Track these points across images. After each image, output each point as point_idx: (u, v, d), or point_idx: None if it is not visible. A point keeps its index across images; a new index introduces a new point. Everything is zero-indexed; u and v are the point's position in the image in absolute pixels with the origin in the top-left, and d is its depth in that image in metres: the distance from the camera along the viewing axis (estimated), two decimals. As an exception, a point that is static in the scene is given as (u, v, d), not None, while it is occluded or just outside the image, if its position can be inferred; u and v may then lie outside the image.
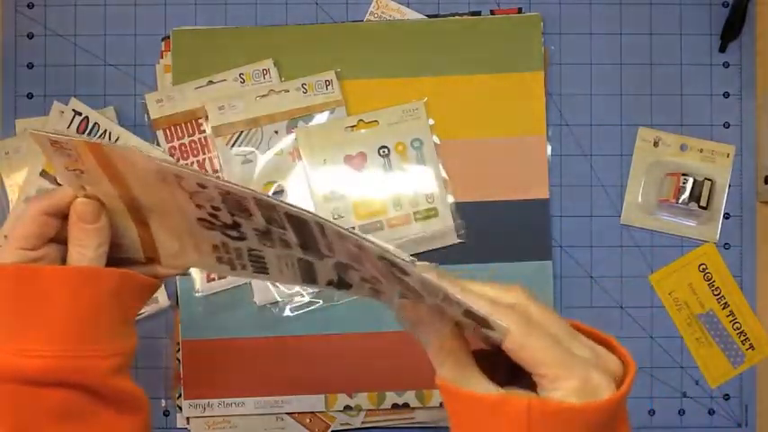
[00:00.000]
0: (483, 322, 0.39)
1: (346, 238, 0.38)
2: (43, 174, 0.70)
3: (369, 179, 0.70)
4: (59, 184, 0.48)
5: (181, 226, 0.46)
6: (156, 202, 0.46)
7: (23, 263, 0.45)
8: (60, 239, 0.47)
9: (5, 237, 0.49)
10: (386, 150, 0.70)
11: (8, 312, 0.43)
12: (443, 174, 0.70)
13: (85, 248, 0.46)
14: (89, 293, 0.45)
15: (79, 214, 0.46)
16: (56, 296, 0.44)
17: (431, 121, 0.70)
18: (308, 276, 0.45)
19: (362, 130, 0.70)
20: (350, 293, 0.45)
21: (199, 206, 0.43)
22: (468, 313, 0.38)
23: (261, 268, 0.46)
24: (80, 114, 0.70)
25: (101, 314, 0.45)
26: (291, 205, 0.39)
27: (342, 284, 0.45)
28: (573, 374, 0.36)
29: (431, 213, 0.69)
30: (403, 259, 0.37)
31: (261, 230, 0.43)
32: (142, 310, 0.69)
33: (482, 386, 0.39)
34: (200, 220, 0.44)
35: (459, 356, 0.40)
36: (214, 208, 0.42)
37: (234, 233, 0.45)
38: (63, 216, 0.47)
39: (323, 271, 0.44)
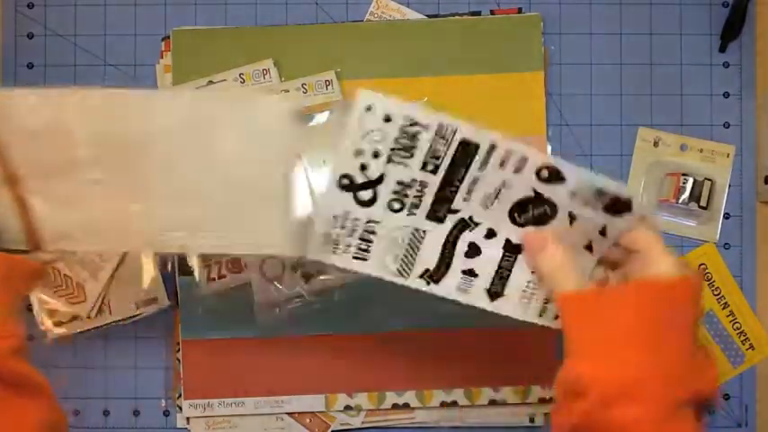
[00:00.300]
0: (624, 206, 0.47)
1: (514, 153, 0.48)
2: (43, 174, 0.70)
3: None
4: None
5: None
6: (50, 165, 0.49)
7: None
8: None
9: None
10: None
11: None
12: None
13: None
14: None
15: None
16: None
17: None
18: (406, 264, 0.50)
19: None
20: (438, 287, 0.51)
21: None
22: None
23: (363, 251, 0.50)
24: (80, 114, 0.70)
25: None
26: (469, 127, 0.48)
27: (436, 274, 0.50)
28: (667, 255, 0.45)
29: None
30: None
31: (405, 183, 0.48)
32: (142, 310, 0.69)
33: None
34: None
35: (575, 268, 0.47)
36: (375, 155, 0.47)
37: (367, 195, 0.49)
38: None
39: (428, 249, 0.50)
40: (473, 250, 0.50)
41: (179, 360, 0.70)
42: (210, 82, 0.70)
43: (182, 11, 0.72)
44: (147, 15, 0.72)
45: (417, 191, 0.48)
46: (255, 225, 0.50)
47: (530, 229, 0.49)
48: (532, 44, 0.71)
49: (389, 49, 0.71)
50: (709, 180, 0.69)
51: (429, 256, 0.50)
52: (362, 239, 0.50)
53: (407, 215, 0.49)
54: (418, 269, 0.50)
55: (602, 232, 0.48)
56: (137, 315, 0.70)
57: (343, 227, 0.49)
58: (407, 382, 0.70)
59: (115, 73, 0.72)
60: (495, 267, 0.50)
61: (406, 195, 0.48)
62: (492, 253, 0.50)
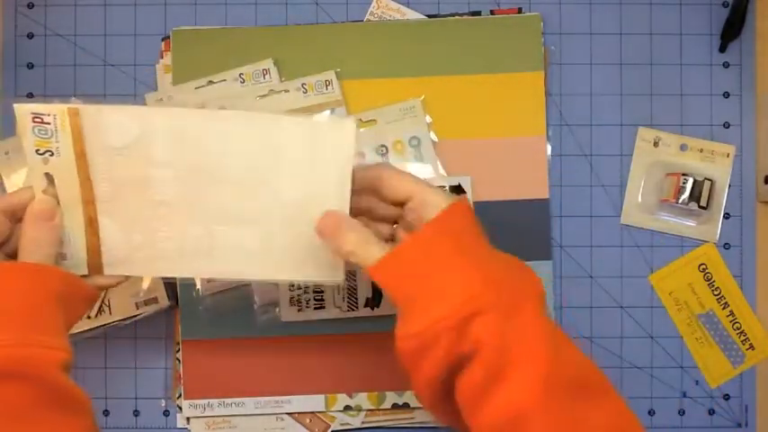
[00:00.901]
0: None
1: None
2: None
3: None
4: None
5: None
6: (122, 184, 0.49)
7: None
8: (6, 248, 0.49)
9: None
10: (384, 149, 0.70)
11: None
12: (442, 170, 0.70)
13: (38, 246, 0.47)
14: (39, 289, 0.46)
15: (37, 212, 0.48)
16: (9, 289, 0.45)
17: (428, 119, 0.70)
18: (353, 301, 0.64)
19: (360, 129, 0.70)
20: (380, 309, 0.64)
21: None
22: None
23: (319, 301, 0.66)
24: (80, 114, 0.70)
25: (48, 312, 0.46)
26: None
27: (375, 300, 0.66)
28: (432, 190, 0.48)
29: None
30: None
31: None
32: (142, 311, 0.69)
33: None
34: None
35: (373, 239, 0.48)
36: None
37: None
38: (16, 219, 0.48)
39: (362, 283, 0.62)
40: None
41: (179, 360, 0.70)
42: (210, 82, 0.70)
43: (182, 11, 0.72)
44: (147, 15, 0.72)
45: None
46: (311, 255, 0.51)
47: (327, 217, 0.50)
48: (532, 44, 0.71)
49: (389, 49, 0.71)
50: (709, 180, 0.69)
51: (365, 288, 0.66)
52: (315, 293, 0.65)
53: None
54: (362, 301, 0.66)
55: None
56: (137, 315, 0.70)
57: (299, 287, 0.63)
58: (407, 383, 0.70)
59: (115, 73, 0.72)
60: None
61: None
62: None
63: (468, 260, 0.46)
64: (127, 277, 0.52)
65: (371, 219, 0.52)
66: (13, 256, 0.49)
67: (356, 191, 0.50)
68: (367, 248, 0.47)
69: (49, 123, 0.47)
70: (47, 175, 0.48)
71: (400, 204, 0.50)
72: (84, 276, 0.51)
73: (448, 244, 0.46)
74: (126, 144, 0.48)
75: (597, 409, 0.44)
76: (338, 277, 0.52)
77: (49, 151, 0.48)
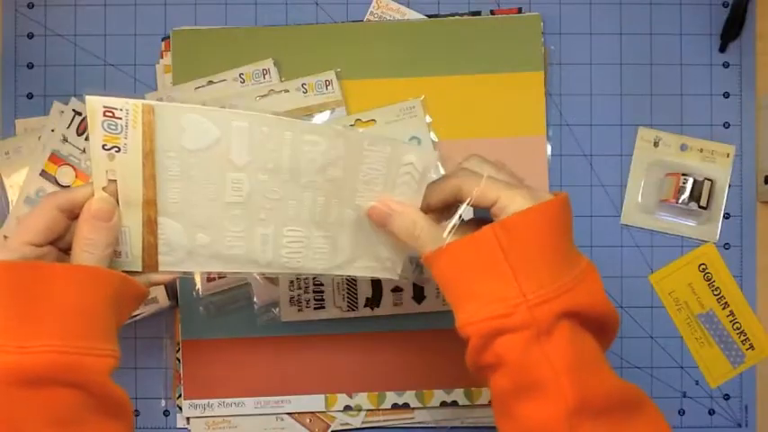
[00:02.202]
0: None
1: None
2: (43, 174, 0.69)
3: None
4: (60, 185, 0.48)
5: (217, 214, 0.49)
6: (194, 185, 0.48)
7: (26, 260, 0.45)
8: (60, 243, 0.47)
9: (5, 237, 0.49)
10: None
11: (9, 309, 0.43)
12: (441, 170, 0.70)
13: (94, 247, 0.46)
14: (93, 293, 0.45)
15: (94, 211, 0.46)
16: (61, 294, 0.44)
17: (428, 119, 0.70)
18: (353, 300, 0.66)
19: (360, 130, 0.70)
20: (380, 309, 0.66)
21: None
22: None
23: (319, 301, 0.67)
24: (80, 114, 0.70)
25: (100, 316, 0.45)
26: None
27: (375, 300, 0.66)
28: (517, 193, 0.46)
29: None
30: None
31: None
32: (142, 311, 0.69)
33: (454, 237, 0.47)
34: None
35: (430, 229, 0.48)
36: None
37: None
38: (73, 216, 0.47)
39: (362, 283, 0.66)
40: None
41: (179, 360, 0.70)
42: (210, 82, 0.70)
43: (182, 11, 0.72)
44: (147, 15, 0.72)
45: None
46: (374, 250, 0.52)
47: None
48: (532, 44, 0.71)
49: (389, 49, 0.71)
50: (709, 180, 0.69)
51: (365, 288, 0.67)
52: (315, 293, 0.66)
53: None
54: (361, 301, 0.67)
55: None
56: (137, 315, 0.70)
57: (299, 287, 0.65)
58: (407, 382, 0.70)
59: (115, 73, 0.72)
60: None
61: None
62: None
63: (515, 272, 0.44)
64: (190, 273, 0.51)
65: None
66: (66, 251, 0.47)
67: (438, 208, 0.50)
68: (422, 233, 0.48)
69: (120, 118, 0.45)
70: (109, 171, 0.46)
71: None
72: (135, 273, 0.49)
73: (500, 250, 0.45)
74: (204, 146, 0.46)
75: (622, 424, 0.45)
76: (395, 274, 0.54)
77: (116, 147, 0.46)
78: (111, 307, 0.46)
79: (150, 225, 0.49)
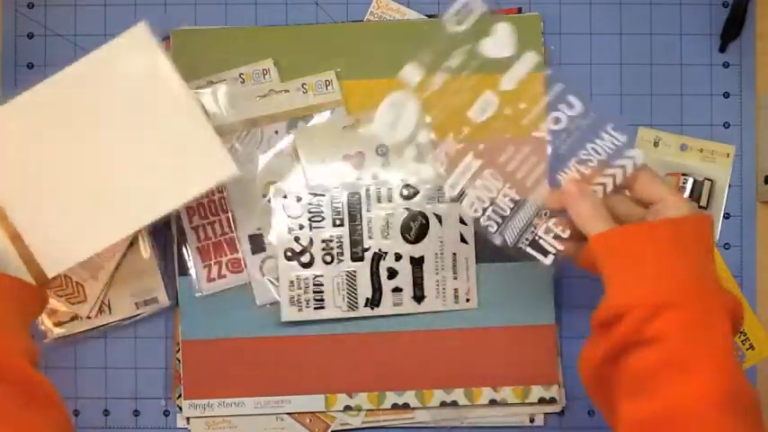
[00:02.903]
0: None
1: None
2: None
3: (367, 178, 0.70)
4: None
5: None
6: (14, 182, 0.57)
7: None
8: None
9: None
10: (384, 149, 0.70)
11: None
12: (442, 171, 0.70)
13: None
14: None
15: None
16: None
17: (428, 119, 0.70)
18: (353, 300, 0.67)
19: (360, 129, 0.70)
20: (380, 309, 0.68)
21: None
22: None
23: (319, 301, 0.69)
24: (80, 114, 0.69)
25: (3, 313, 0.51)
26: None
27: (375, 300, 0.68)
28: (683, 199, 0.52)
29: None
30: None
31: (327, 240, 0.67)
32: (142, 311, 0.69)
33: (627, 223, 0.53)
34: None
35: (606, 213, 0.52)
36: (301, 227, 0.67)
37: (306, 258, 0.67)
38: None
39: (362, 283, 0.67)
40: (391, 273, 0.68)
41: (179, 360, 0.70)
42: (210, 82, 0.70)
43: (182, 11, 0.72)
44: (147, 15, 0.72)
45: (337, 243, 0.67)
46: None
47: (568, 178, 0.56)
48: (532, 44, 0.71)
49: (389, 49, 0.71)
50: (709, 180, 0.69)
51: (365, 288, 0.68)
52: (315, 293, 0.68)
53: (338, 263, 0.68)
54: (362, 301, 0.68)
55: (461, 221, 0.67)
56: (137, 315, 0.70)
57: (299, 287, 0.67)
58: (407, 382, 0.70)
59: (115, 73, 0.72)
60: (411, 279, 0.68)
61: (332, 248, 0.67)
62: (404, 270, 0.68)
63: (684, 261, 0.48)
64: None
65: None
66: None
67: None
68: (597, 219, 0.51)
69: None
70: None
71: (647, 205, 0.53)
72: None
73: (671, 240, 0.49)
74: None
75: (751, 424, 0.46)
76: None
77: None
78: (11, 306, 0.52)
79: (15, 236, 0.55)
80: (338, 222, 0.68)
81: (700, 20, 0.72)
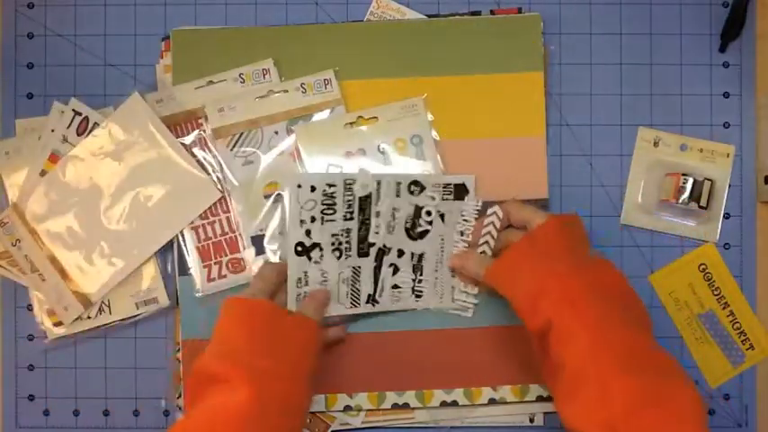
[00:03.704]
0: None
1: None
2: (43, 174, 0.70)
3: (369, 178, 0.70)
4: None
5: None
6: None
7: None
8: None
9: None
10: (385, 147, 0.70)
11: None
12: (443, 169, 0.70)
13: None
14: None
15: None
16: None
17: (430, 117, 0.70)
18: (355, 296, 0.68)
19: (362, 127, 0.70)
20: (380, 305, 0.69)
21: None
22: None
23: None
24: (80, 114, 0.70)
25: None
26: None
27: (376, 296, 0.68)
28: (539, 214, 0.63)
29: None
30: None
31: (337, 234, 0.67)
32: (142, 311, 0.69)
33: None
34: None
35: (483, 260, 0.66)
36: (312, 219, 0.66)
37: (317, 253, 0.67)
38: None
39: (366, 279, 0.68)
40: (394, 269, 0.68)
41: (179, 360, 0.70)
42: (210, 82, 0.70)
43: (182, 11, 0.72)
44: (147, 15, 0.72)
45: (346, 237, 0.67)
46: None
47: (457, 255, 0.68)
48: (532, 44, 0.71)
49: (389, 49, 0.71)
50: (709, 180, 0.69)
51: (367, 284, 0.68)
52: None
53: (345, 258, 0.67)
54: (364, 297, 0.68)
55: (464, 219, 0.68)
56: (137, 315, 0.70)
57: (306, 284, 0.66)
58: (407, 382, 0.70)
59: (115, 73, 0.72)
60: (412, 276, 0.68)
61: (340, 243, 0.67)
62: (407, 266, 0.68)
63: (545, 261, 0.60)
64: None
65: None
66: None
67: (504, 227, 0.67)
68: (480, 266, 0.65)
69: None
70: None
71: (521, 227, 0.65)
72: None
73: (527, 251, 0.61)
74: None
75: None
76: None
77: None
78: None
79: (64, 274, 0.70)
80: (349, 216, 0.66)
81: (700, 20, 0.72)
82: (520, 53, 0.71)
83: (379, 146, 0.70)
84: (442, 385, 0.70)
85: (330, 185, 0.66)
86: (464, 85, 0.71)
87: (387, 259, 0.68)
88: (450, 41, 0.71)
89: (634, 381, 0.54)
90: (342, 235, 0.66)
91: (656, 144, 0.71)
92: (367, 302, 0.68)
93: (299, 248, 0.66)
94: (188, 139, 0.70)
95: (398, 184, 0.67)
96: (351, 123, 0.70)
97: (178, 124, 0.70)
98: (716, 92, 0.72)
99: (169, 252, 0.70)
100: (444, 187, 0.68)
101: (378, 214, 0.67)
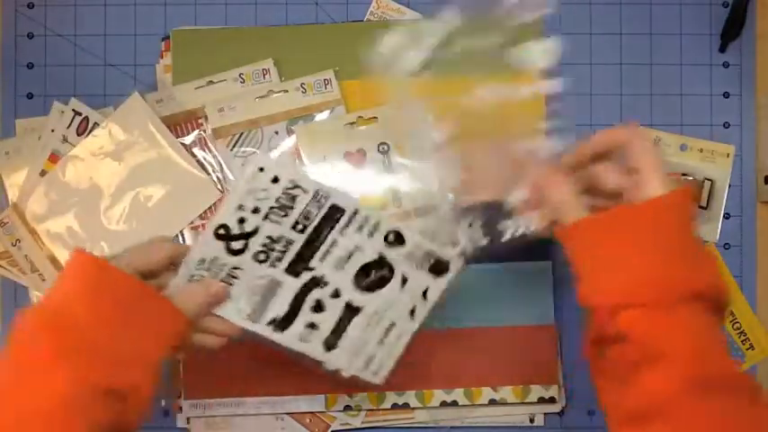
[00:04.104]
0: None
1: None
2: (43, 174, 0.70)
3: (368, 175, 0.70)
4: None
5: None
6: None
7: None
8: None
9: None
10: (385, 147, 0.70)
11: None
12: (443, 169, 0.70)
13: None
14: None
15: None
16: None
17: (430, 117, 0.70)
18: (258, 310, 0.57)
19: (362, 127, 0.70)
20: (282, 336, 0.58)
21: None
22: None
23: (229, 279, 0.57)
24: (80, 114, 0.70)
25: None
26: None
27: (283, 323, 0.57)
28: (656, 176, 0.50)
29: (430, 210, 0.69)
30: None
31: (274, 239, 0.55)
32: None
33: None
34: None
35: (575, 204, 0.52)
36: (255, 210, 0.55)
37: (239, 245, 0.55)
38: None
39: (280, 300, 0.57)
40: (318, 306, 0.58)
41: (179, 360, 0.70)
42: (210, 82, 0.70)
43: (182, 11, 0.72)
44: (147, 15, 0.72)
45: (283, 247, 0.56)
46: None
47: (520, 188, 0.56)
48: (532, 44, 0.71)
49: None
50: (709, 180, 0.69)
51: (279, 306, 0.57)
52: (223, 281, 0.56)
53: (269, 267, 0.56)
54: (268, 316, 0.57)
55: (424, 295, 0.60)
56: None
57: (208, 269, 0.55)
58: (407, 382, 0.70)
59: (115, 73, 0.72)
60: (334, 324, 0.59)
61: (273, 249, 0.56)
62: (334, 311, 0.58)
63: (642, 255, 0.48)
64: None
65: (592, 192, 0.54)
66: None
67: (593, 155, 0.54)
68: (568, 208, 0.52)
69: None
70: None
71: (629, 170, 0.52)
72: None
73: (631, 232, 0.48)
74: None
75: (735, 407, 0.46)
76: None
77: None
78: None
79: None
80: (300, 229, 0.56)
81: (700, 20, 0.72)
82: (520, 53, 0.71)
83: (379, 146, 0.70)
84: (442, 385, 0.70)
85: (296, 187, 0.55)
86: (464, 85, 0.70)
87: (316, 292, 0.58)
88: (450, 41, 0.71)
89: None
90: (279, 243, 0.56)
91: (656, 144, 0.71)
92: (268, 324, 0.57)
93: (221, 231, 0.55)
94: (188, 139, 0.70)
95: (377, 224, 0.57)
96: (351, 123, 0.70)
97: (178, 124, 0.70)
98: (716, 92, 0.72)
99: (169, 252, 0.70)
100: (425, 255, 0.59)
101: (334, 243, 0.57)
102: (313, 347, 0.59)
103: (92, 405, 0.47)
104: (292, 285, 0.57)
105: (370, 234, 0.57)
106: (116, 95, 0.71)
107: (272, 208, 0.55)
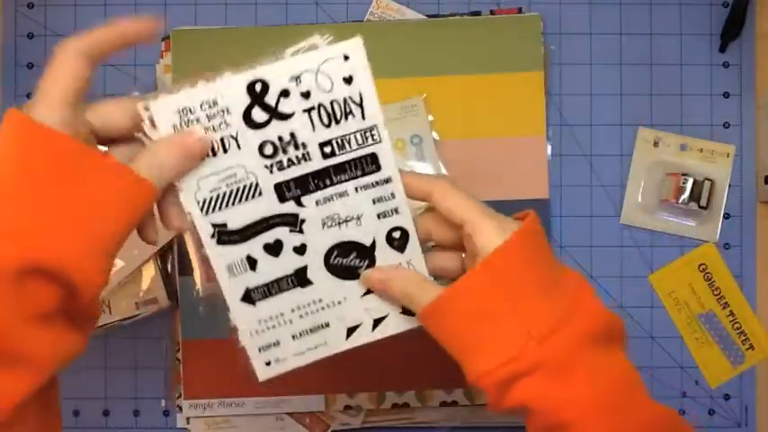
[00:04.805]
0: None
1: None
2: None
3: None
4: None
5: None
6: None
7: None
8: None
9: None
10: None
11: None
12: (443, 169, 0.70)
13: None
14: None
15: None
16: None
17: (430, 118, 0.70)
18: (218, 202, 0.45)
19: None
20: (221, 252, 0.47)
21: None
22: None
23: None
24: (80, 114, 0.70)
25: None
26: None
27: (232, 236, 0.46)
28: (487, 222, 0.43)
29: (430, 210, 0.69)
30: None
31: (286, 141, 0.44)
32: (142, 311, 0.69)
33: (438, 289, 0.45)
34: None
35: (423, 283, 0.47)
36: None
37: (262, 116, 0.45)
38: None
39: (245, 209, 0.45)
40: (272, 248, 0.46)
41: (179, 360, 0.70)
42: (210, 82, 0.70)
43: (182, 11, 0.72)
44: (147, 15, 0.72)
45: (296, 158, 0.45)
46: None
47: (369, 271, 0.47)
48: (532, 44, 0.71)
49: (389, 49, 0.71)
50: (709, 180, 0.69)
51: (239, 216, 0.45)
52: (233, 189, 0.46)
53: (264, 168, 0.44)
54: (219, 217, 0.45)
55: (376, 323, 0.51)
56: (137, 315, 0.70)
57: (208, 118, 0.46)
58: (407, 382, 0.70)
59: (115, 73, 0.72)
60: (271, 279, 0.47)
61: (285, 152, 0.44)
62: (283, 266, 0.47)
63: (515, 312, 0.42)
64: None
65: (436, 244, 0.48)
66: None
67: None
68: (419, 291, 0.46)
69: None
70: None
71: (455, 226, 0.45)
72: None
73: (494, 293, 0.42)
74: None
75: None
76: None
77: None
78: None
79: None
80: (327, 152, 0.45)
81: (700, 20, 0.72)
82: (520, 53, 0.71)
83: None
84: (442, 385, 0.70)
85: (359, 104, 0.46)
86: (464, 85, 0.71)
87: (282, 232, 0.46)
88: (450, 41, 0.71)
89: None
90: (297, 150, 0.45)
91: (656, 144, 0.71)
92: (213, 226, 0.46)
93: (258, 87, 0.47)
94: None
95: (395, 209, 0.47)
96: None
97: (178, 124, 0.70)
98: (716, 92, 0.72)
99: (169, 252, 0.70)
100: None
101: (342, 195, 0.46)
102: (232, 286, 0.47)
103: (13, 285, 0.38)
104: (268, 206, 0.45)
105: (382, 215, 0.46)
106: (116, 95, 0.70)
107: (321, 105, 0.44)
